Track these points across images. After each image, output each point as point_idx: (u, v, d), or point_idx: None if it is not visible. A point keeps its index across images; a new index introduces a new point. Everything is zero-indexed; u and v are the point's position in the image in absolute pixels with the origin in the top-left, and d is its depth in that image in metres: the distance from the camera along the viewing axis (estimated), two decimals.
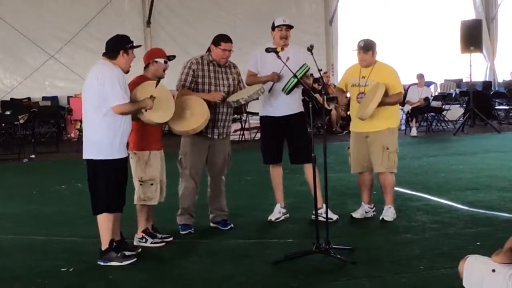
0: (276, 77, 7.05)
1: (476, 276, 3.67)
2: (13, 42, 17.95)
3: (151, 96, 6.03)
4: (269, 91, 7.12)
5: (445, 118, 17.91)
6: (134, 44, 6.05)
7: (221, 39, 6.91)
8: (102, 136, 5.81)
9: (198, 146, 6.91)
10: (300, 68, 6.83)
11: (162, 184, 6.55)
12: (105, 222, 5.91)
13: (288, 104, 7.18)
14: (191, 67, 6.87)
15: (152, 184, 6.41)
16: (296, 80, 6.62)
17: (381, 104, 6.91)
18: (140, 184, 6.41)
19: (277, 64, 6.76)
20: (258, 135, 14.93)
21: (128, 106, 5.83)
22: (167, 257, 6.23)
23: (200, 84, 6.87)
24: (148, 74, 6.50)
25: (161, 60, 6.51)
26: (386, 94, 6.97)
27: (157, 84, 6.19)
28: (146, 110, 6.01)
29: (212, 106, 6.80)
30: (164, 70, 6.53)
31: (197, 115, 6.55)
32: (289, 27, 7.18)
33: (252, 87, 6.99)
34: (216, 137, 6.94)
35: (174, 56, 6.66)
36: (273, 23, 7.22)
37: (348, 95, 7.61)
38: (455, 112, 18.85)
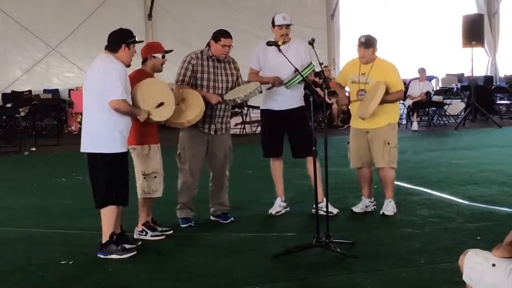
0: (278, 83, 7.04)
1: (476, 270, 3.67)
2: (14, 35, 17.91)
3: (161, 104, 6.03)
4: (269, 88, 7.11)
5: (447, 113, 17.91)
6: (137, 39, 6.04)
7: (221, 35, 6.87)
8: (103, 129, 5.79)
9: (197, 140, 6.89)
10: (307, 67, 6.88)
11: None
12: (108, 216, 5.91)
13: (289, 98, 7.17)
14: (190, 61, 6.85)
15: (156, 177, 6.42)
16: (301, 78, 6.64)
17: (382, 102, 6.89)
18: (144, 178, 6.40)
19: (279, 59, 6.74)
20: (259, 129, 14.94)
21: (124, 106, 5.80)
22: (167, 250, 6.22)
23: (199, 79, 6.84)
24: (147, 68, 6.51)
25: (159, 55, 6.52)
26: (386, 92, 6.95)
27: (158, 106, 6.17)
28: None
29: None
30: (162, 64, 6.54)
31: (192, 108, 6.54)
32: (289, 25, 7.16)
33: (250, 86, 6.95)
34: (213, 133, 6.92)
35: (171, 50, 6.67)
36: (273, 20, 7.18)
37: (347, 88, 7.59)
38: (456, 106, 18.84)
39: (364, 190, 7.41)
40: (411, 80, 17.91)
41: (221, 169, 7.10)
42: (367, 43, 7.05)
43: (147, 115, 6.03)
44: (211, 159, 7.06)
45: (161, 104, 6.18)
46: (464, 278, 3.75)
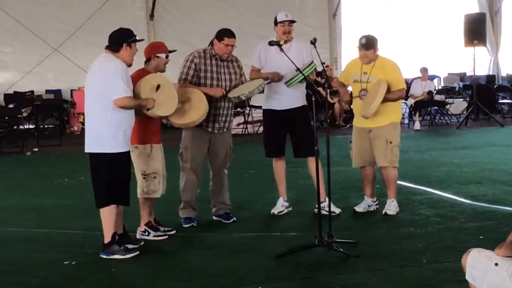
0: (277, 78, 7.05)
1: (479, 269, 3.67)
2: (16, 35, 17.92)
3: (158, 86, 6.00)
4: (268, 83, 7.12)
5: (449, 112, 17.90)
6: (137, 38, 6.05)
7: (224, 34, 6.88)
8: (106, 129, 5.79)
9: (199, 139, 6.90)
10: (308, 66, 6.87)
11: (162, 177, 6.54)
12: (108, 215, 5.91)
13: (291, 98, 7.17)
14: (193, 60, 6.86)
15: (155, 177, 6.42)
16: (302, 77, 6.64)
17: (384, 100, 6.89)
18: (144, 178, 6.41)
19: (280, 58, 6.74)
20: (261, 128, 14.94)
21: (130, 101, 5.82)
22: (170, 250, 6.23)
23: (202, 78, 6.85)
24: (149, 68, 6.50)
25: (163, 55, 6.52)
26: (388, 90, 6.95)
27: (156, 89, 6.17)
28: (148, 110, 6.01)
29: (213, 100, 6.80)
30: (164, 64, 6.55)
31: (196, 108, 6.55)
32: (292, 21, 7.16)
33: (253, 83, 6.99)
34: (216, 131, 6.93)
35: (175, 50, 6.68)
36: (276, 19, 7.20)
37: (349, 88, 7.60)
38: (458, 106, 18.82)
39: (367, 190, 7.41)
40: (413, 79, 17.88)
41: (221, 168, 7.12)
42: (368, 44, 7.05)
43: (153, 103, 6.01)
44: (212, 158, 7.07)
45: (158, 86, 6.18)
46: (467, 277, 3.75)
